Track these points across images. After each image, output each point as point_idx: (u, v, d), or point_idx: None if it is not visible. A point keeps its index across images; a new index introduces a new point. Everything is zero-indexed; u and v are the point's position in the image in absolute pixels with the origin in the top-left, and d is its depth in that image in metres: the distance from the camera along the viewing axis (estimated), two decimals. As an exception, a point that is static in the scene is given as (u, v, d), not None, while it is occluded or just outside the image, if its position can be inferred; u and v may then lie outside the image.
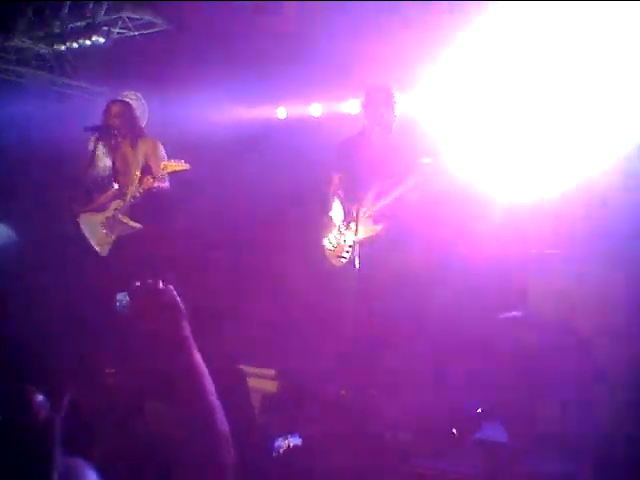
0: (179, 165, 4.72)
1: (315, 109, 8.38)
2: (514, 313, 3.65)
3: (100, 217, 4.96)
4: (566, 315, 3.57)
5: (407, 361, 4.08)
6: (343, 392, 4.28)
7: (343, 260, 4.55)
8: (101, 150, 4.92)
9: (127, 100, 5.01)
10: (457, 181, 4.54)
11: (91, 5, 7.92)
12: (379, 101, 4.53)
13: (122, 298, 1.60)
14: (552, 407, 3.20)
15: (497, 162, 5.04)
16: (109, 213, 4.91)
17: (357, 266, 4.17)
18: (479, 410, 3.81)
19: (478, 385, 3.98)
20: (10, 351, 3.56)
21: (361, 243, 4.33)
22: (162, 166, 4.73)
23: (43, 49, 8.83)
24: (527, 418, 3.22)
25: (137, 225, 4.85)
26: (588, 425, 3.16)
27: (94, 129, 4.78)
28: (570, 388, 3.18)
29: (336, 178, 4.79)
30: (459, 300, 4.73)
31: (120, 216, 4.88)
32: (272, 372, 4.34)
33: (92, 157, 4.70)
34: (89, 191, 5.00)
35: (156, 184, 4.76)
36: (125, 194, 4.87)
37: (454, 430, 3.51)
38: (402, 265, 4.51)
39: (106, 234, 4.92)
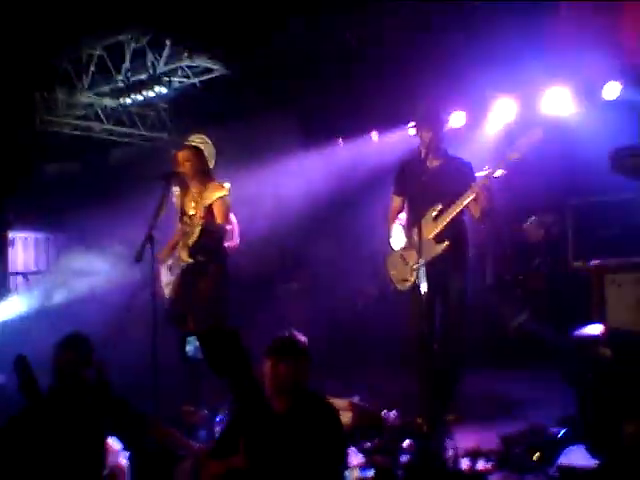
0: (221, 188, 4.82)
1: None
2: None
3: (170, 260, 5.08)
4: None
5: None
6: (419, 421, 4.20)
7: (407, 284, 4.52)
8: (171, 195, 5.04)
9: (194, 144, 5.09)
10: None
11: (150, 56, 8.30)
12: (421, 124, 4.51)
13: (192, 343, 1.61)
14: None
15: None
16: (176, 254, 5.02)
17: (424, 289, 4.10)
18: (561, 433, 3.67)
19: (558, 407, 3.85)
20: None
21: (426, 265, 4.27)
22: (212, 196, 4.80)
23: (109, 103, 9.28)
24: (611, 439, 3.06)
25: (190, 260, 4.89)
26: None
27: (164, 176, 4.88)
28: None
29: (396, 201, 4.77)
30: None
31: (182, 255, 4.95)
32: (346, 403, 4.30)
33: (162, 202, 4.80)
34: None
35: (220, 224, 4.82)
36: (189, 235, 4.96)
37: (536, 455, 3.38)
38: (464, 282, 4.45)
39: (170, 275, 5.03)
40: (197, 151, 5.00)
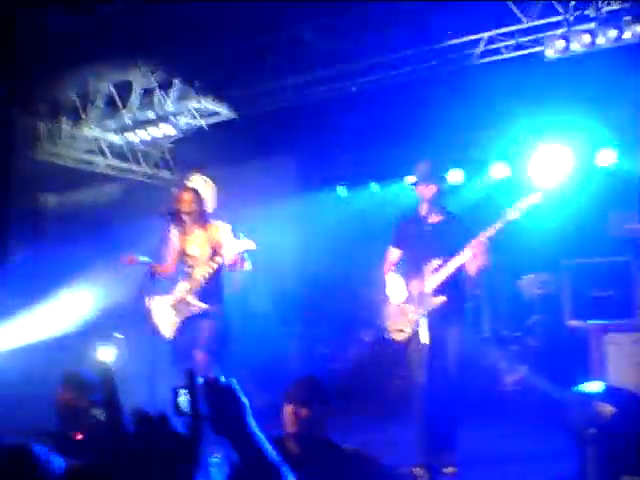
0: (247, 244, 4.84)
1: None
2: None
3: (170, 299, 5.08)
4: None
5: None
6: (417, 471, 4.19)
7: (403, 335, 4.56)
8: (175, 234, 5.10)
9: (195, 186, 5.17)
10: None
11: (158, 94, 8.44)
12: (422, 182, 4.63)
13: (183, 396, 1.53)
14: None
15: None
16: (177, 295, 5.04)
17: (425, 340, 4.15)
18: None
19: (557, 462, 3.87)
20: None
21: (427, 317, 4.33)
22: (232, 246, 4.86)
23: (114, 138, 9.37)
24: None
25: (204, 305, 4.93)
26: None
27: (167, 214, 4.95)
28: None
29: (393, 254, 4.85)
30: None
31: (189, 298, 4.98)
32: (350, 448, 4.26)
33: (168, 239, 4.87)
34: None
35: (224, 264, 4.88)
36: (194, 277, 4.99)
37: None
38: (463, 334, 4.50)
39: (174, 316, 5.03)
40: (199, 193, 5.11)
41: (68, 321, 7.11)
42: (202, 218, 5.10)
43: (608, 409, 3.27)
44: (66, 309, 7.22)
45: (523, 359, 6.27)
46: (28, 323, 7.00)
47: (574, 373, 5.17)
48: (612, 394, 3.44)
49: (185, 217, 5.06)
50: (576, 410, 3.40)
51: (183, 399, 1.52)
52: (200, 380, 1.55)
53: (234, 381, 1.57)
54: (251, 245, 4.87)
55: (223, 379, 1.55)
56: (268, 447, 1.54)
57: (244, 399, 1.55)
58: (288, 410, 2.97)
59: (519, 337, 6.81)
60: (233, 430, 1.50)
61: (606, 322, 4.38)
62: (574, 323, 6.18)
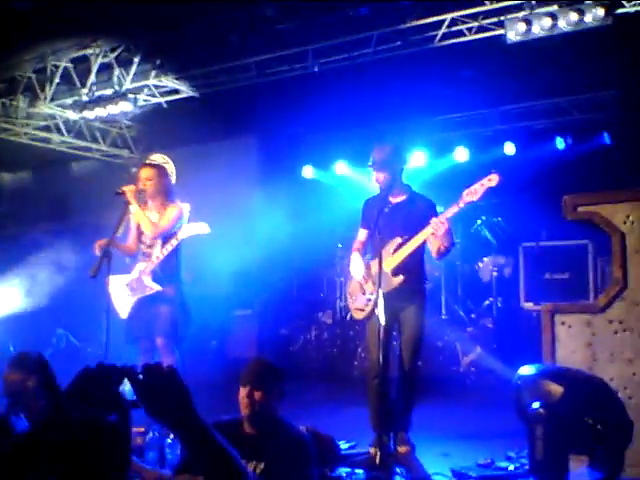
0: (201, 227, 4.79)
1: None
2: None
3: (126, 279, 5.02)
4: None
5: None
6: (372, 451, 4.24)
7: (363, 313, 4.59)
8: (130, 212, 5.00)
9: (159, 163, 5.08)
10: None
11: (117, 73, 8.27)
12: (373, 166, 4.64)
13: (127, 385, 1.48)
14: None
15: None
16: (134, 275, 4.98)
17: (383, 320, 4.18)
18: (511, 467, 3.74)
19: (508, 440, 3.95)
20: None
21: (384, 297, 4.35)
22: (184, 229, 4.80)
23: (71, 115, 9.15)
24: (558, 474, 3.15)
25: (157, 287, 4.88)
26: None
27: (124, 192, 4.85)
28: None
29: (361, 234, 4.86)
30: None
31: (144, 278, 4.92)
32: (303, 428, 4.29)
33: (122, 219, 4.77)
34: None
35: (179, 245, 4.83)
36: (150, 256, 4.93)
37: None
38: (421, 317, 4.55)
39: (129, 295, 4.97)
40: (160, 170, 4.99)
41: (22, 301, 6.97)
42: (162, 197, 4.99)
43: (557, 389, 3.32)
44: (21, 289, 7.07)
45: (479, 340, 6.37)
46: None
47: (527, 354, 5.28)
48: (561, 374, 3.50)
49: (144, 195, 4.96)
50: (526, 389, 3.45)
51: (128, 388, 1.48)
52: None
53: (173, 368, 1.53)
54: (204, 229, 4.81)
55: (165, 366, 1.51)
56: (215, 435, 1.50)
57: (185, 385, 1.50)
58: (243, 392, 2.98)
59: (475, 319, 6.91)
60: (176, 418, 1.46)
61: (557, 303, 4.46)
62: (528, 305, 6.31)
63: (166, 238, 4.89)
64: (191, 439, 1.49)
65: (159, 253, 4.88)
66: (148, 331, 4.88)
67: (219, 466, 1.48)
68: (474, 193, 4.32)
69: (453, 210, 4.39)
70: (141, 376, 1.46)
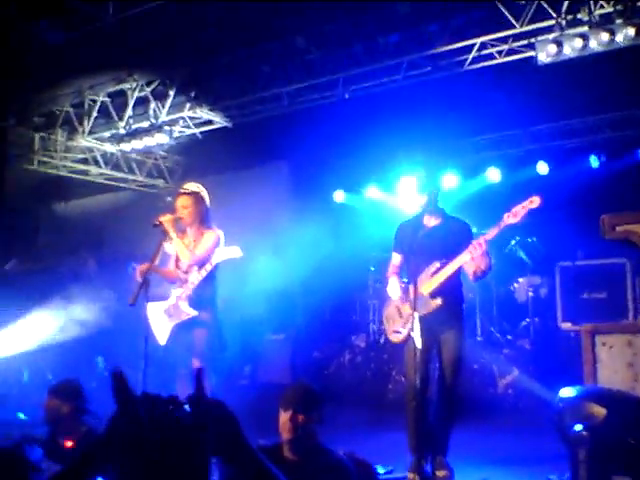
0: (233, 251, 4.86)
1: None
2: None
3: (163, 305, 5.10)
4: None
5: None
6: (411, 476, 4.21)
7: (400, 336, 4.59)
8: (167, 241, 5.09)
9: (194, 190, 5.16)
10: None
11: (153, 105, 8.49)
12: (422, 186, 4.68)
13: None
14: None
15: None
16: (171, 301, 5.06)
17: (419, 343, 4.18)
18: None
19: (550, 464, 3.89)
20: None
21: (421, 320, 4.36)
22: (217, 253, 4.87)
23: (108, 148, 9.42)
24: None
25: (194, 312, 4.95)
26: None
27: (161, 223, 4.94)
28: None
29: (395, 258, 4.88)
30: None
31: (180, 304, 5.00)
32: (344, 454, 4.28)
33: (159, 247, 4.87)
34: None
35: (214, 270, 4.90)
36: (186, 282, 5.00)
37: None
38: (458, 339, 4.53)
39: (167, 322, 5.05)
40: (196, 198, 5.08)
41: (63, 331, 7.11)
42: (199, 224, 5.09)
43: (600, 411, 3.29)
44: (61, 319, 7.22)
45: (516, 362, 6.29)
46: (24, 330, 7.01)
47: (566, 375, 5.20)
48: (604, 395, 3.46)
49: (181, 222, 5.06)
50: (568, 412, 3.42)
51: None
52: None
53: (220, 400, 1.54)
54: (237, 252, 4.88)
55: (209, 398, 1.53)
56: (265, 462, 1.51)
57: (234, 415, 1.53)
58: (285, 416, 2.99)
59: (512, 340, 6.83)
60: (228, 447, 1.45)
61: (597, 324, 4.41)
62: (566, 326, 6.23)
63: (202, 264, 4.98)
64: (242, 467, 1.49)
65: (194, 279, 4.95)
66: (185, 357, 4.95)
67: None
68: (515, 215, 4.32)
69: (493, 232, 4.39)
70: (187, 407, 1.46)
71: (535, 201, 4.34)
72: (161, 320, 5.08)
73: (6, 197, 8.67)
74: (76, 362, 6.51)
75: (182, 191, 5.15)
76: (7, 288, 7.72)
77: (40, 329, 7.14)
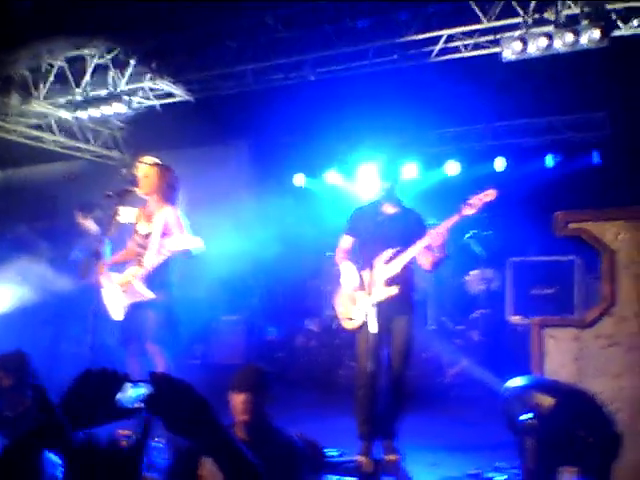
0: (194, 242, 4.75)
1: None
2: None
3: (119, 280, 4.98)
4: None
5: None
6: (361, 459, 4.25)
7: (354, 322, 4.61)
8: (122, 212, 4.96)
9: (155, 161, 5.03)
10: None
11: (113, 74, 8.26)
12: (382, 174, 4.69)
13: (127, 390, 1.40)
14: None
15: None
16: (127, 278, 4.94)
17: (374, 330, 4.20)
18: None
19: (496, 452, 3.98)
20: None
21: (376, 306, 4.38)
22: (179, 240, 4.76)
23: (64, 115, 9.12)
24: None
25: (150, 294, 4.84)
26: None
27: (115, 194, 4.79)
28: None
29: (345, 241, 4.88)
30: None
31: (135, 283, 4.89)
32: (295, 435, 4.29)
33: (113, 219, 4.73)
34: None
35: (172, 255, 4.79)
36: (144, 262, 4.88)
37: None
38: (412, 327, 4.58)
39: (124, 298, 4.94)
40: (159, 169, 4.96)
41: (8, 301, 6.89)
42: (160, 196, 4.96)
43: (547, 400, 3.36)
44: (7, 289, 7.00)
45: (466, 352, 6.42)
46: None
47: (515, 367, 5.31)
48: (551, 386, 3.55)
49: (138, 193, 4.92)
50: (516, 401, 3.49)
51: (129, 394, 1.43)
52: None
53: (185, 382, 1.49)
54: (199, 244, 4.76)
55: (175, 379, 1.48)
56: (234, 439, 1.50)
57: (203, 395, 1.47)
58: (239, 398, 2.98)
59: (463, 330, 6.96)
60: (199, 431, 1.43)
61: (546, 317, 4.52)
62: (515, 319, 6.37)
63: (161, 243, 4.86)
64: (214, 446, 1.46)
65: (153, 261, 4.82)
66: (139, 334, 4.86)
67: (241, 468, 1.47)
68: (472, 206, 4.38)
69: (452, 221, 4.44)
70: (148, 386, 1.41)
71: (491, 194, 4.41)
72: (116, 295, 4.97)
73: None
74: (22, 334, 6.32)
75: (143, 161, 5.02)
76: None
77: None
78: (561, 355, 4.11)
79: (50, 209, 9.73)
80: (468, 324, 7.14)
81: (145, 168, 4.93)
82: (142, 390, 1.41)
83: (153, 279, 4.83)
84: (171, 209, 4.93)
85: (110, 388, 1.39)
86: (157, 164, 4.97)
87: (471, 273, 7.61)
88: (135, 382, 1.41)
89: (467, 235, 7.76)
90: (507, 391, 3.62)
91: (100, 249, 4.74)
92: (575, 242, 4.51)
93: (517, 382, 3.64)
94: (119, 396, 1.39)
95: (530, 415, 3.26)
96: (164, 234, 4.89)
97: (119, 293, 4.94)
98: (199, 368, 7.82)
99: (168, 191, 4.97)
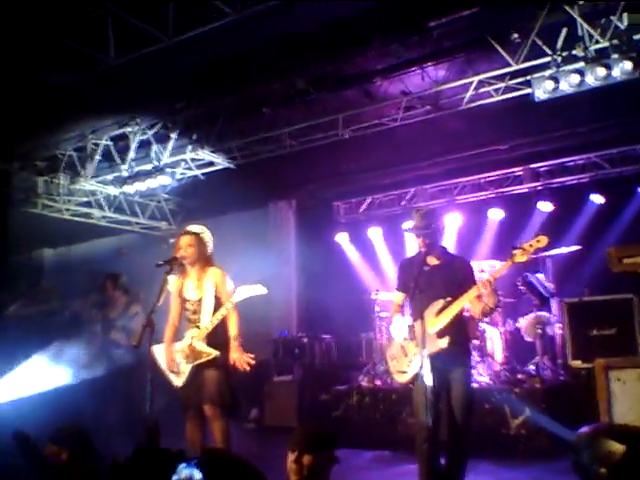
0: (257, 289, 4.86)
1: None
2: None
3: (180, 346, 5.05)
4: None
5: None
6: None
7: (406, 376, 4.52)
8: (172, 282, 5.09)
9: (195, 231, 5.19)
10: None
11: (155, 148, 8.55)
12: (415, 227, 4.66)
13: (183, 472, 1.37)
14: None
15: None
16: (188, 342, 5.02)
17: (429, 382, 4.10)
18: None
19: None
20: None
21: (429, 358, 4.28)
22: (239, 291, 4.86)
23: (111, 191, 9.45)
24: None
25: (216, 352, 4.91)
26: None
27: (165, 263, 4.93)
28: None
29: (397, 297, 4.84)
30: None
31: (196, 344, 4.96)
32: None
33: (163, 288, 4.83)
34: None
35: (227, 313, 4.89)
36: (201, 323, 4.96)
37: None
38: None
39: (183, 363, 5.00)
40: (199, 237, 5.11)
41: (63, 376, 7.02)
42: (201, 262, 5.08)
43: (619, 448, 3.20)
44: (62, 364, 7.14)
45: (527, 401, 6.17)
46: (25, 375, 6.92)
47: (580, 413, 5.10)
48: (621, 432, 3.37)
49: (183, 261, 5.05)
50: (586, 450, 3.33)
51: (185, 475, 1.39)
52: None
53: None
54: (261, 290, 4.87)
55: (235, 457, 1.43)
56: None
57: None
58: (292, 458, 2.93)
59: (522, 379, 6.71)
60: None
61: (610, 359, 4.34)
62: (576, 363, 6.13)
63: (217, 305, 4.95)
64: None
65: (212, 319, 4.92)
66: (198, 398, 4.88)
67: None
68: (523, 254, 4.28)
69: (501, 270, 4.36)
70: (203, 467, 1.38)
71: (542, 240, 4.31)
72: (175, 361, 5.02)
73: (11, 241, 8.65)
74: (83, 406, 6.40)
75: (185, 231, 5.19)
76: (9, 331, 7.65)
77: (40, 373, 7.04)
78: (629, 397, 3.94)
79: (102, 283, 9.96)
80: (527, 372, 6.90)
81: (186, 237, 5.08)
82: (197, 476, 1.37)
83: (212, 339, 4.92)
84: (215, 269, 5.09)
85: (163, 469, 1.37)
86: (196, 233, 5.11)
87: (526, 318, 7.40)
88: (189, 461, 1.39)
89: (518, 279, 7.55)
90: (576, 441, 3.47)
91: (153, 318, 4.81)
92: (630, 278, 4.38)
93: (587, 430, 3.48)
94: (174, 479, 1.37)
95: (602, 464, 3.11)
96: (215, 295, 5.00)
97: (180, 359, 5.01)
98: (253, 432, 7.76)
99: (209, 256, 5.14)
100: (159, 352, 5.07)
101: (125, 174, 8.75)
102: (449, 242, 8.48)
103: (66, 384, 6.88)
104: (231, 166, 8.72)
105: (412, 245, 8.62)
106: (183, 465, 1.35)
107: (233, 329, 4.95)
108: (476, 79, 6.79)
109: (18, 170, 8.83)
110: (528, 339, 7.29)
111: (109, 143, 8.78)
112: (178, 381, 5.01)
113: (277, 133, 8.01)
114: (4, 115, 7.20)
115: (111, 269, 8.89)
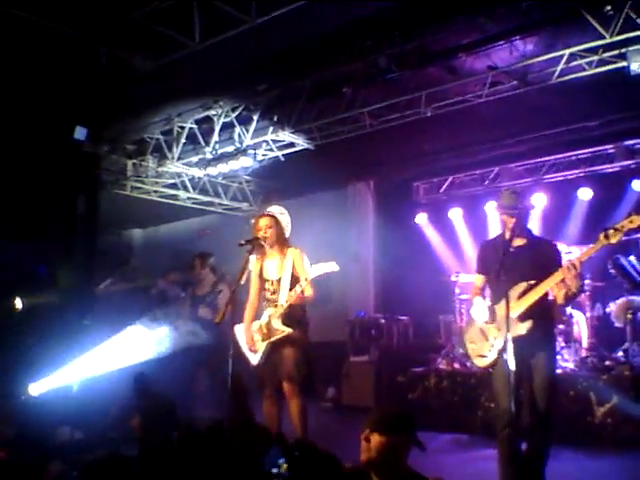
0: (330, 266, 4.89)
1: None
2: None
3: (255, 325, 5.17)
4: None
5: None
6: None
7: (486, 360, 4.41)
8: (253, 262, 5.22)
9: (273, 212, 5.29)
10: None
11: (238, 130, 8.70)
12: (501, 209, 4.50)
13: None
14: None
15: None
16: (263, 320, 5.14)
17: (513, 367, 3.98)
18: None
19: None
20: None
21: (513, 342, 4.17)
22: (313, 269, 4.92)
23: (196, 173, 9.71)
24: None
25: (289, 330, 5.00)
26: None
27: (247, 242, 5.05)
28: None
29: (478, 279, 4.73)
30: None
31: (274, 321, 5.07)
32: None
33: (245, 267, 4.95)
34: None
35: (304, 292, 4.95)
36: (279, 301, 5.06)
37: None
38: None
39: (259, 341, 5.12)
40: (276, 219, 5.23)
41: (152, 350, 7.32)
42: (280, 243, 5.18)
43: None
44: (148, 339, 7.45)
45: (615, 389, 5.91)
46: (113, 350, 7.26)
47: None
48: None
49: (263, 242, 5.16)
50: None
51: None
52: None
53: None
54: (334, 267, 4.90)
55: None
56: None
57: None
58: (363, 436, 2.92)
59: (609, 366, 6.43)
60: None
61: None
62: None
63: (294, 284, 5.03)
64: None
65: (289, 297, 5.00)
66: (276, 375, 4.98)
67: None
68: (613, 236, 4.06)
69: (589, 252, 4.15)
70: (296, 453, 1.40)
71: (635, 220, 4.04)
72: (254, 340, 5.15)
73: (102, 221, 9.05)
74: (170, 378, 6.67)
75: (264, 213, 5.30)
76: (100, 307, 8.05)
77: (130, 347, 7.37)
78: None
79: (187, 263, 10.30)
80: (616, 358, 6.61)
81: (266, 220, 5.17)
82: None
83: (290, 317, 5.02)
84: (293, 249, 5.20)
85: (257, 447, 1.40)
86: (274, 215, 5.20)
87: (616, 302, 7.07)
88: (283, 446, 1.41)
89: (608, 262, 7.20)
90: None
91: (235, 296, 4.93)
92: None
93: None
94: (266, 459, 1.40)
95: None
96: (293, 275, 5.07)
97: (257, 337, 5.12)
98: (330, 411, 7.83)
99: (287, 238, 5.26)
100: (239, 332, 5.20)
101: (209, 156, 8.96)
102: (533, 224, 8.20)
103: (154, 357, 7.18)
104: (310, 147, 8.74)
105: (494, 226, 8.44)
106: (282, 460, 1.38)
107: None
108: (567, 52, 6.48)
109: (108, 153, 9.18)
110: (618, 324, 6.98)
111: (194, 126, 8.99)
112: (255, 359, 5.13)
113: (356, 112, 7.95)
114: (94, 100, 7.51)
115: (195, 249, 9.20)
